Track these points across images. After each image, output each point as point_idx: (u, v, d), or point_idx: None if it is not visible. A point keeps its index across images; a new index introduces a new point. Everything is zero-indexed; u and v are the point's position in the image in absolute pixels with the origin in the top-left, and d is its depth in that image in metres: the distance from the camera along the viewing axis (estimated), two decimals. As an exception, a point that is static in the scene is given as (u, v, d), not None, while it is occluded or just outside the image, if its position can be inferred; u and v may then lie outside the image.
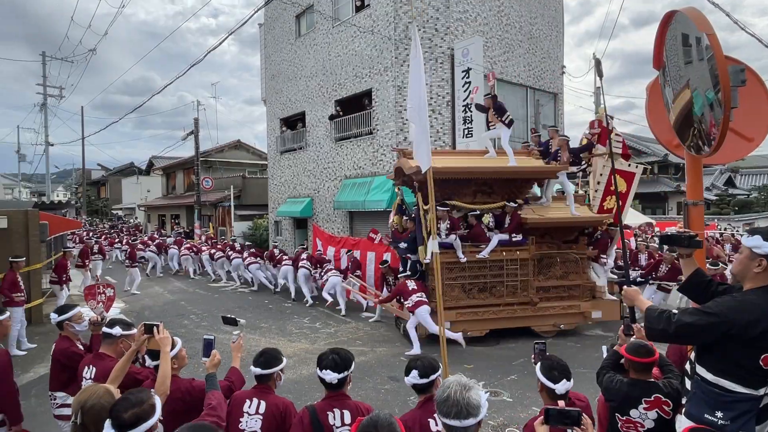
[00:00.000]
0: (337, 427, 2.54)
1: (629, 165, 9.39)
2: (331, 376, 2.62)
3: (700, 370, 2.22)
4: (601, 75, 3.61)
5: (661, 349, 2.86)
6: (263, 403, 2.74)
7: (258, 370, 2.81)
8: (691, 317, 2.17)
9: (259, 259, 13.64)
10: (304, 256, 12.18)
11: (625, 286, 2.78)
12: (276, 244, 17.00)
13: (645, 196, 28.28)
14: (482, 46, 12.08)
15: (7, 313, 4.04)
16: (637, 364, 2.69)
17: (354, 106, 14.29)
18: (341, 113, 14.65)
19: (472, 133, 11.35)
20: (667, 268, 9.11)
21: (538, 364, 2.64)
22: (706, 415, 2.15)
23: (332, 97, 14.79)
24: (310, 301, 11.50)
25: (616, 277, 9.59)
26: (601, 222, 9.13)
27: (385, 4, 12.49)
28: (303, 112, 16.46)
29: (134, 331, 3.23)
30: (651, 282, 9.33)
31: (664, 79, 3.51)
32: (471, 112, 11.37)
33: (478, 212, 8.57)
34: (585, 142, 9.61)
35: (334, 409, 2.59)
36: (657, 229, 19.86)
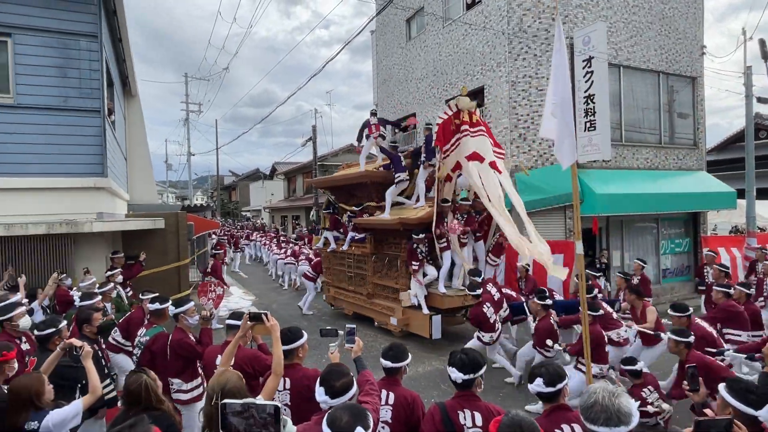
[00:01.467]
0: (468, 428, 2.52)
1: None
2: (455, 375, 2.63)
3: None
4: (765, 57, 3.14)
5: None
6: (392, 395, 2.83)
7: (388, 363, 2.90)
8: None
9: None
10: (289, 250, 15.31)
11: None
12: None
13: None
14: (605, 32, 11.18)
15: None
16: None
17: (465, 105, 14.10)
18: (452, 113, 14.54)
19: (595, 126, 10.56)
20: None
21: (723, 386, 2.32)
22: None
23: (443, 97, 14.76)
24: (285, 287, 15.17)
25: (445, 290, 8.09)
26: (392, 224, 8.70)
27: (498, -2, 12.15)
28: (413, 114, 16.66)
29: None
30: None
31: None
32: (594, 103, 10.60)
33: (348, 213, 10.42)
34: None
35: (465, 409, 2.58)
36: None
